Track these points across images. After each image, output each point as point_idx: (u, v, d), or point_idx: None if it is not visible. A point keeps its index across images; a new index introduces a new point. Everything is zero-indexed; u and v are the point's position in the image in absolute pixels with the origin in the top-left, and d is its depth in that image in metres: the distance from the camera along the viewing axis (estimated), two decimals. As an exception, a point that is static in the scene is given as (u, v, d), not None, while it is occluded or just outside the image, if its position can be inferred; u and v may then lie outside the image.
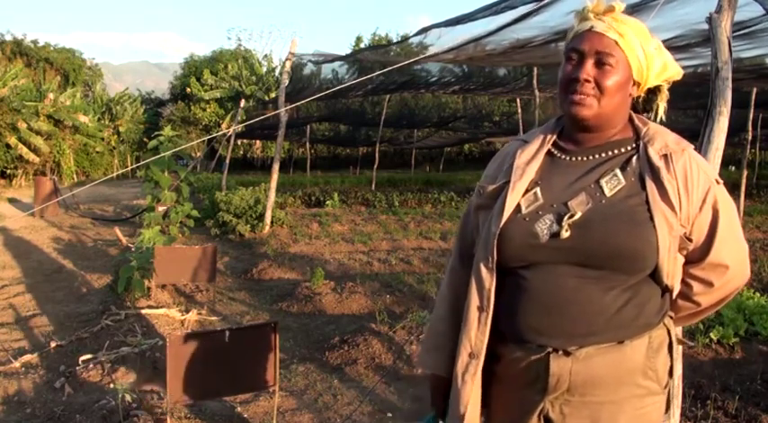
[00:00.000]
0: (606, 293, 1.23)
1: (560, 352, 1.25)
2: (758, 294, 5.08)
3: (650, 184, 1.25)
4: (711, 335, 4.28)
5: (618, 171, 1.28)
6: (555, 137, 1.39)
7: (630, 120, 1.36)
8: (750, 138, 10.12)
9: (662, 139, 1.30)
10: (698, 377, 3.63)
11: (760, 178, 17.57)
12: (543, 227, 1.26)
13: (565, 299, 1.23)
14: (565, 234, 1.23)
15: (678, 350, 1.41)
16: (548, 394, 1.27)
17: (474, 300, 1.34)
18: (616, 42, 1.25)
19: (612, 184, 1.27)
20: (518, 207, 1.31)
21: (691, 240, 1.28)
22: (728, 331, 4.28)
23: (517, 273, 1.30)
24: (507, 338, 1.33)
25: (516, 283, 1.30)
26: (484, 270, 1.32)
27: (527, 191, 1.32)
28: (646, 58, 1.28)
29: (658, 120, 1.40)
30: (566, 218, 1.24)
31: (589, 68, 1.26)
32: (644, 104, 1.40)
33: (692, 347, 4.19)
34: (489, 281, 1.31)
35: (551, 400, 1.28)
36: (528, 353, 1.28)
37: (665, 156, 1.28)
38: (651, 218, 1.22)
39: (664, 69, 1.32)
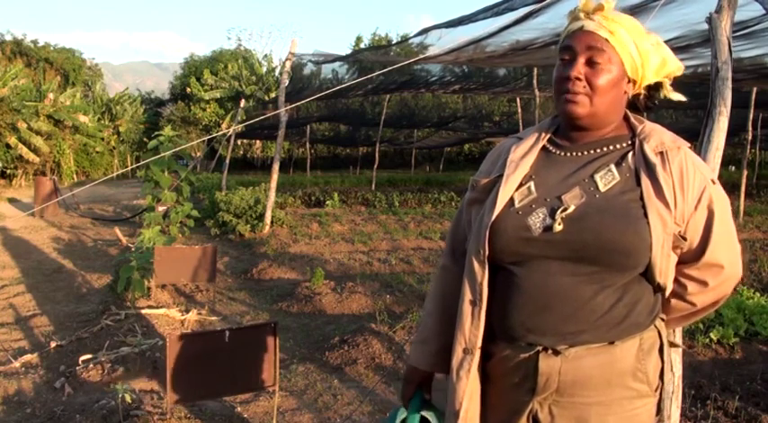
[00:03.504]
0: (598, 292, 1.22)
1: (549, 351, 1.24)
2: (758, 294, 5.08)
3: (645, 181, 1.25)
4: (711, 335, 4.28)
5: (613, 167, 1.28)
6: (550, 134, 1.39)
7: (626, 118, 1.36)
8: (750, 138, 10.15)
9: (658, 137, 1.30)
10: (698, 377, 3.63)
11: (760, 178, 17.56)
12: (536, 220, 1.26)
13: (556, 296, 1.23)
14: (558, 227, 1.23)
15: (678, 351, 1.41)
16: (536, 395, 1.27)
17: (467, 294, 1.33)
18: (607, 40, 1.25)
19: (607, 179, 1.27)
20: (511, 200, 1.30)
21: (685, 239, 1.27)
22: (728, 331, 4.28)
23: (509, 269, 1.29)
24: (497, 336, 1.32)
25: (508, 280, 1.29)
26: (476, 263, 1.32)
27: (521, 185, 1.32)
28: (640, 54, 1.28)
29: (670, 100, 1.38)
30: (559, 211, 1.24)
31: (580, 67, 1.26)
32: (645, 101, 1.39)
33: (692, 347, 4.20)
34: (481, 274, 1.31)
35: (540, 400, 1.28)
36: (517, 351, 1.28)
37: (661, 153, 1.28)
38: (645, 214, 1.22)
39: (663, 65, 1.31)
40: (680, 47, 4.58)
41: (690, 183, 1.27)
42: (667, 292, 1.31)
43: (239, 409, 3.37)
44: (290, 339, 4.58)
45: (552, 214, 1.24)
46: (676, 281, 1.32)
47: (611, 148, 1.31)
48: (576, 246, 1.22)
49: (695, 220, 1.28)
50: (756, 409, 3.22)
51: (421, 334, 1.53)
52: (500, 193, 1.30)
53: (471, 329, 1.32)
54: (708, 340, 4.27)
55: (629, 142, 1.31)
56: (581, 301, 1.22)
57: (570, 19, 1.32)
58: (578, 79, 1.26)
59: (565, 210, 1.24)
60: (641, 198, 1.23)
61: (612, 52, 1.26)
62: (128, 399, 2.97)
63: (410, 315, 4.81)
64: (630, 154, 1.29)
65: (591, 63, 1.26)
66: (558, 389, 1.25)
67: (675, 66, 1.33)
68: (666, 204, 1.23)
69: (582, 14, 1.29)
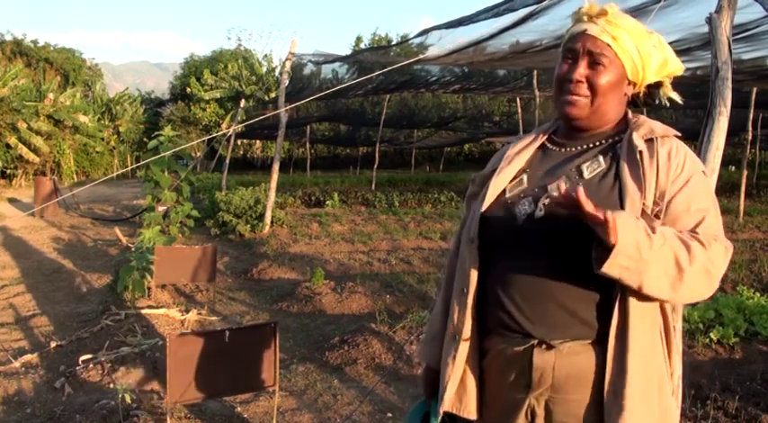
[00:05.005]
0: (585, 283, 1.23)
1: (543, 346, 1.26)
2: (758, 294, 5.09)
3: (623, 164, 1.26)
4: (711, 335, 4.29)
5: (600, 156, 1.32)
6: (550, 133, 1.44)
7: (625, 116, 1.39)
8: (750, 138, 10.15)
9: (648, 126, 1.33)
10: (698, 377, 3.63)
11: (760, 178, 17.55)
12: (522, 208, 1.30)
13: (543, 285, 1.25)
14: (539, 213, 1.26)
15: (678, 351, 1.41)
16: (532, 390, 1.28)
17: (457, 283, 1.38)
18: (609, 45, 1.28)
19: (593, 167, 1.30)
20: (504, 192, 1.35)
21: (659, 218, 1.23)
22: (728, 331, 4.28)
23: (502, 259, 1.32)
24: (492, 330, 1.34)
25: (500, 270, 1.32)
26: (466, 251, 1.36)
27: (514, 178, 1.37)
28: (641, 57, 1.30)
29: (665, 104, 1.40)
30: (542, 199, 1.27)
31: (582, 69, 1.29)
32: (645, 99, 1.41)
33: (692, 347, 4.20)
34: (471, 262, 1.34)
35: (536, 396, 1.29)
36: (512, 345, 1.30)
37: (650, 140, 1.30)
38: (622, 200, 1.22)
39: (664, 65, 1.34)
40: (680, 50, 4.59)
41: (677, 164, 1.26)
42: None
43: (239, 409, 3.37)
44: (290, 339, 4.58)
45: (536, 202, 1.28)
46: None
47: (603, 141, 1.35)
48: (556, 232, 1.25)
49: (678, 202, 1.24)
50: (756, 409, 3.22)
51: (430, 333, 1.56)
52: (492, 184, 1.36)
53: (459, 317, 1.36)
54: (708, 340, 4.27)
55: (622, 136, 1.34)
56: (568, 290, 1.24)
57: (573, 20, 1.34)
58: (580, 82, 1.29)
59: (547, 197, 1.27)
60: (620, 183, 1.25)
61: (614, 56, 1.29)
62: (128, 399, 2.97)
63: (410, 315, 4.81)
64: (619, 144, 1.32)
65: (592, 65, 1.29)
66: (553, 385, 1.26)
67: (676, 66, 1.36)
68: (641, 187, 1.23)
69: (585, 17, 1.31)
